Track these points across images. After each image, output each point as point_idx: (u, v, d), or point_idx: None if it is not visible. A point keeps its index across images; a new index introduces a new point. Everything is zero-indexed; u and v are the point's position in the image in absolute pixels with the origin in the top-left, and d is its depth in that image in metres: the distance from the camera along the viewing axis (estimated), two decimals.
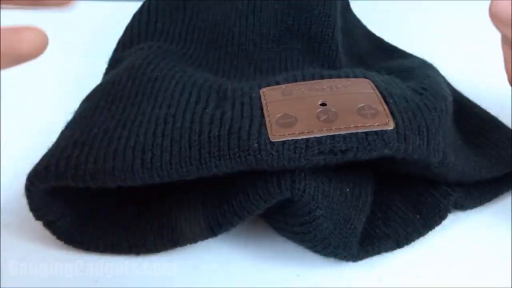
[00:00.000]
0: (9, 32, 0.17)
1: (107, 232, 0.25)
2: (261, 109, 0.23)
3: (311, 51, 0.32)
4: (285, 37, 0.33)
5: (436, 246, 0.25)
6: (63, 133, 0.24)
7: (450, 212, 0.26)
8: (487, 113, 0.30)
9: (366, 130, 0.21)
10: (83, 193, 0.24)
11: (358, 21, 0.39)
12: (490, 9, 0.23)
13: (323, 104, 0.23)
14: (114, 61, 0.31)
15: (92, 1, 0.49)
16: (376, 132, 0.21)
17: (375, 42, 0.38)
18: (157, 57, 0.28)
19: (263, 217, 0.24)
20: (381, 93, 0.23)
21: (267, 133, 0.21)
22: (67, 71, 0.39)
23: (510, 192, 0.28)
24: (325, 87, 0.24)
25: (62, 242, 0.25)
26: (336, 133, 0.21)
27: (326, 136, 0.21)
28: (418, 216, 0.25)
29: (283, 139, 0.21)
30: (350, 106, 0.23)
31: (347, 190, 0.24)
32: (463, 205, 0.26)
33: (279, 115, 0.22)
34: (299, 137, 0.21)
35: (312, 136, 0.21)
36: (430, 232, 0.25)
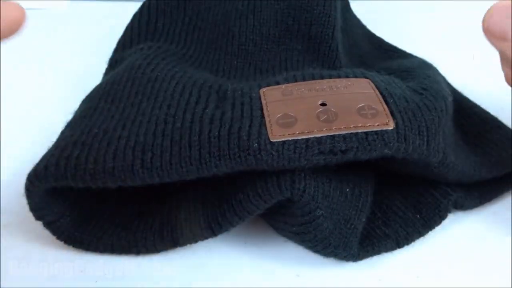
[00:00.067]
0: None
1: (107, 232, 0.25)
2: (261, 109, 0.23)
3: (311, 51, 0.32)
4: (285, 37, 0.33)
5: (436, 246, 0.25)
6: (63, 133, 0.24)
7: (450, 212, 0.26)
8: (487, 113, 0.30)
9: (366, 130, 0.22)
10: (83, 193, 0.24)
11: (358, 21, 0.39)
12: (482, 25, 0.22)
13: (323, 104, 0.23)
14: (114, 61, 0.31)
15: (92, 1, 0.49)
16: (376, 132, 0.21)
17: (375, 42, 0.38)
18: (157, 57, 0.28)
19: (263, 217, 0.24)
20: (381, 93, 0.23)
21: (267, 133, 0.21)
22: (67, 71, 0.39)
23: (510, 192, 0.28)
24: (325, 87, 0.24)
25: (62, 242, 0.25)
26: (336, 133, 0.21)
27: (326, 136, 0.21)
28: (418, 216, 0.25)
29: (283, 139, 0.21)
30: (350, 106, 0.23)
31: (347, 190, 0.24)
32: (463, 205, 0.26)
33: (279, 115, 0.22)
34: (299, 137, 0.21)
35: (312, 136, 0.21)
36: (430, 232, 0.25)
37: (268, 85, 0.25)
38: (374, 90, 0.24)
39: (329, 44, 0.32)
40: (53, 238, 0.24)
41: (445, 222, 0.25)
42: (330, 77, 0.25)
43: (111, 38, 0.34)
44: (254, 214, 0.22)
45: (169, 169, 0.21)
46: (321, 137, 0.21)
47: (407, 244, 0.25)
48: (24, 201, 0.23)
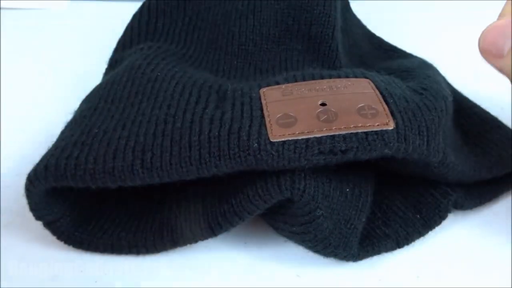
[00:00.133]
0: None
1: (107, 232, 0.25)
2: (261, 109, 0.23)
3: (311, 51, 0.32)
4: (285, 37, 0.33)
5: (436, 246, 0.25)
6: (63, 133, 0.24)
7: (450, 212, 0.26)
8: (487, 113, 0.30)
9: (366, 130, 0.22)
10: (83, 193, 0.24)
11: (358, 21, 0.39)
12: (478, 46, 0.23)
13: (323, 104, 0.23)
14: (114, 61, 0.31)
15: (92, 1, 0.49)
16: (376, 132, 0.21)
17: (375, 42, 0.38)
18: (157, 57, 0.28)
19: (263, 217, 0.24)
20: (381, 93, 0.23)
21: (267, 133, 0.21)
22: (67, 71, 0.39)
23: (510, 192, 0.28)
24: (325, 87, 0.24)
25: (62, 242, 0.25)
26: (336, 133, 0.21)
27: (326, 136, 0.21)
28: (418, 216, 0.25)
29: (283, 139, 0.21)
30: (350, 106, 0.23)
31: (347, 190, 0.24)
32: (463, 205, 0.26)
33: (279, 115, 0.22)
34: (299, 137, 0.21)
35: (312, 136, 0.21)
36: (430, 232, 0.25)
37: (268, 85, 0.25)
38: (374, 90, 0.24)
39: (329, 44, 0.32)
40: (53, 238, 0.24)
41: (445, 222, 0.25)
42: (330, 77, 0.25)
43: (111, 38, 0.34)
44: (254, 214, 0.22)
45: (169, 169, 0.21)
46: (321, 137, 0.21)
47: (407, 244, 0.25)
48: (24, 201, 0.23)
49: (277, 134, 0.21)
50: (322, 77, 0.25)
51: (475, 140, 0.28)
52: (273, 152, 0.21)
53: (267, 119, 0.22)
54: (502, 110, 0.30)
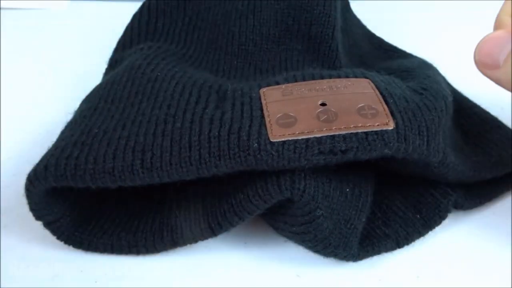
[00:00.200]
0: None
1: (107, 232, 0.25)
2: (261, 109, 0.23)
3: (311, 51, 0.32)
4: (285, 37, 0.33)
5: (436, 246, 0.25)
6: (63, 133, 0.24)
7: (450, 212, 0.26)
8: (487, 113, 0.30)
9: (366, 130, 0.22)
10: (83, 193, 0.24)
11: (358, 21, 0.39)
12: (474, 58, 0.23)
13: (323, 104, 0.23)
14: (114, 61, 0.31)
15: (92, 1, 0.49)
16: (376, 132, 0.21)
17: (375, 42, 0.38)
18: (157, 57, 0.28)
19: (263, 217, 0.24)
20: (381, 93, 0.23)
21: (267, 133, 0.21)
22: (67, 71, 0.39)
23: (510, 192, 0.28)
24: (325, 87, 0.24)
25: (62, 242, 0.25)
26: (336, 133, 0.21)
27: (326, 136, 0.21)
28: (418, 216, 0.25)
29: (283, 139, 0.21)
30: (350, 106, 0.23)
31: (347, 190, 0.24)
32: (463, 205, 0.26)
33: (279, 115, 0.22)
34: (299, 137, 0.21)
35: (312, 136, 0.21)
36: (430, 232, 0.25)
37: (268, 85, 0.25)
38: (374, 90, 0.24)
39: (329, 44, 0.32)
40: (53, 238, 0.24)
41: (445, 222, 0.25)
42: (330, 77, 0.25)
43: (111, 38, 0.34)
44: (254, 214, 0.22)
45: (169, 169, 0.21)
46: (321, 137, 0.21)
47: (407, 244, 0.25)
48: (24, 201, 0.23)
49: (277, 134, 0.21)
50: (322, 77, 0.25)
51: (475, 140, 0.28)
52: (273, 152, 0.21)
53: (267, 119, 0.22)
54: (502, 110, 0.30)
